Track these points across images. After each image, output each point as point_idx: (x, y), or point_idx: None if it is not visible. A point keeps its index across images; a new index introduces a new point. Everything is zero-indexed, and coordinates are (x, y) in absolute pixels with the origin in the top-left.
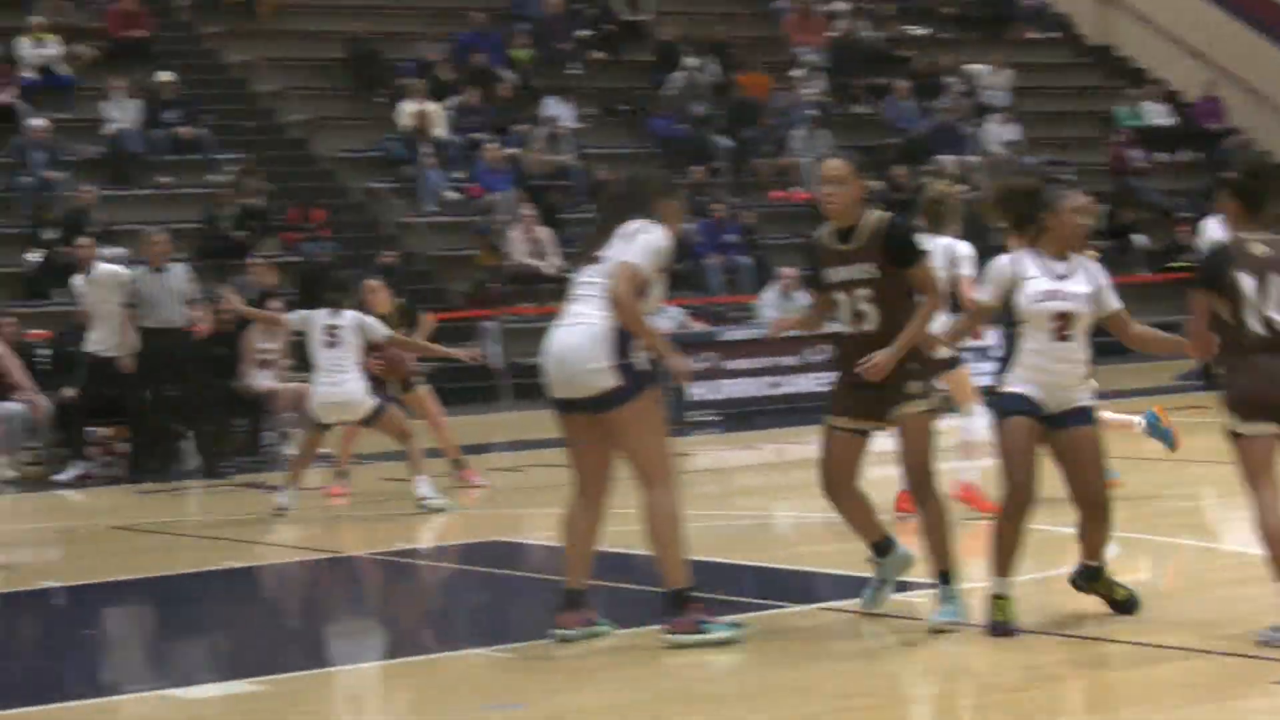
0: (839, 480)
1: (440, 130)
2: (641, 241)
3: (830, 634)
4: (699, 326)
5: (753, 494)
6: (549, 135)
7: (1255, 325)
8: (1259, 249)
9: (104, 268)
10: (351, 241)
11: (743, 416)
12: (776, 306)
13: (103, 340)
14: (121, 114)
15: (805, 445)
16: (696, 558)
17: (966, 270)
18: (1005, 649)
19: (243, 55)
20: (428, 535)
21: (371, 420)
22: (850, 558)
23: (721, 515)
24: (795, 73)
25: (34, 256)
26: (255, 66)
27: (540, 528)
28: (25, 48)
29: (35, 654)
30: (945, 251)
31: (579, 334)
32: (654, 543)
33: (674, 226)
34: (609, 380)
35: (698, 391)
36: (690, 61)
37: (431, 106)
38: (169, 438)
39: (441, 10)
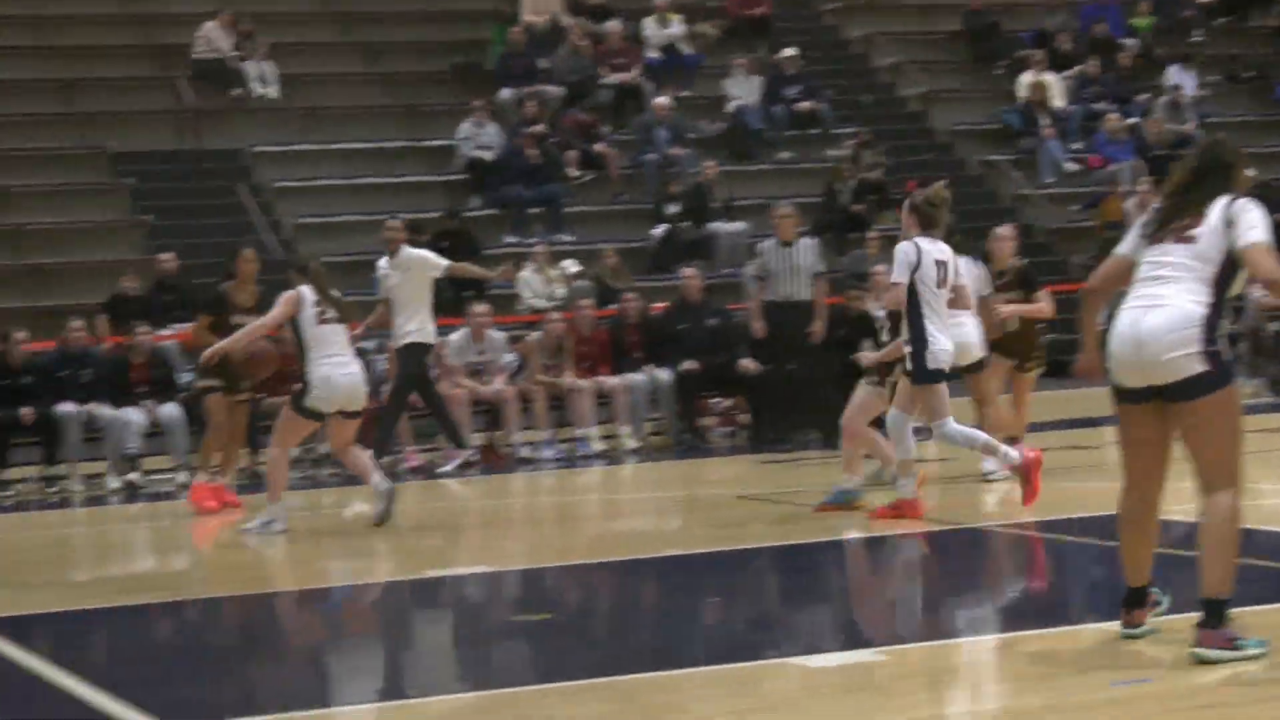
0: None
1: (1059, 101)
2: (1250, 219)
3: None
4: None
5: None
6: (1170, 104)
7: None
8: None
9: (412, 252)
10: (969, 214)
11: None
12: None
13: (408, 328)
14: (742, 91)
15: None
16: None
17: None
18: None
19: (861, 30)
20: (1048, 508)
21: (978, 368)
22: None
23: None
24: None
25: (657, 231)
26: (874, 41)
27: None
28: (650, 27)
29: (658, 620)
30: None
31: (1164, 317)
32: (1210, 545)
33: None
34: (1196, 366)
35: None
36: None
37: (1050, 77)
38: (790, 410)
39: None
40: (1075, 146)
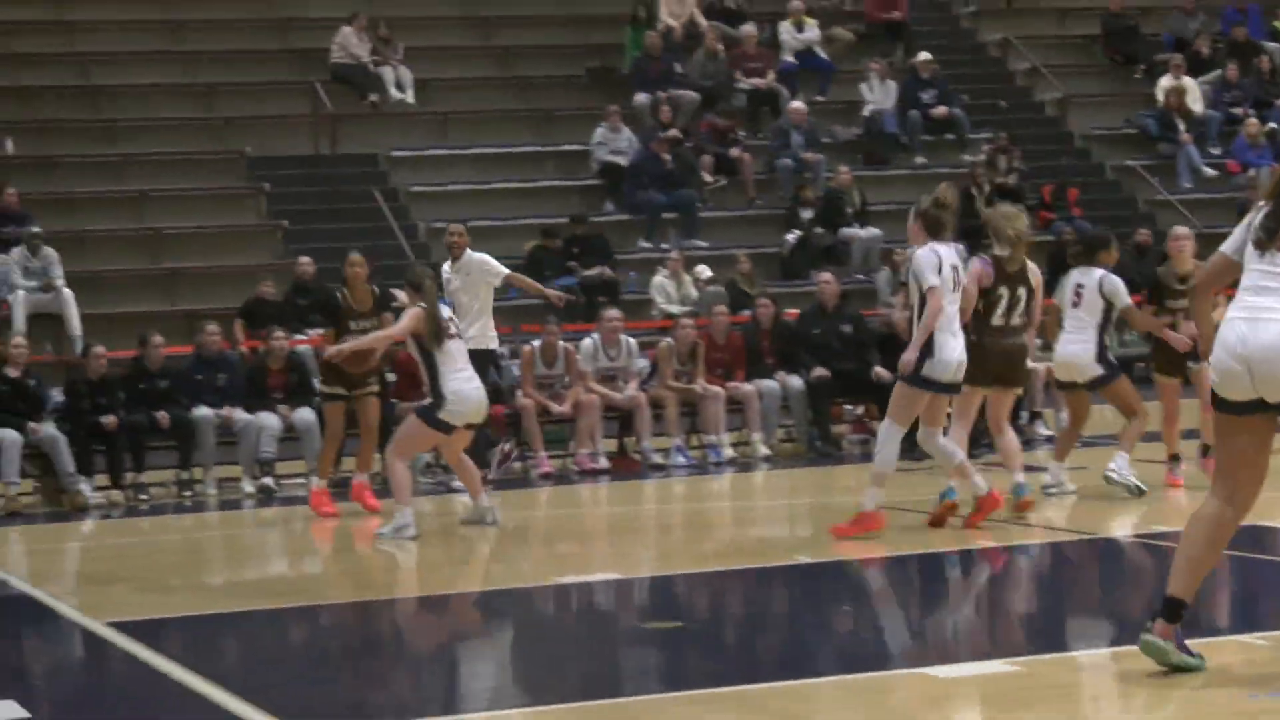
0: None
1: (1197, 106)
2: None
3: None
4: None
5: None
6: None
7: None
8: None
9: (474, 257)
10: (1104, 220)
11: None
12: None
13: (469, 334)
14: (878, 95)
15: None
16: None
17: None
18: None
19: (998, 33)
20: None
21: (1097, 385)
22: None
23: None
24: None
25: (791, 237)
26: (1010, 44)
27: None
28: (786, 32)
29: (788, 629)
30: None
31: (1276, 332)
32: None
33: None
34: None
35: None
36: None
37: (1188, 81)
38: None
39: None
40: (1214, 152)
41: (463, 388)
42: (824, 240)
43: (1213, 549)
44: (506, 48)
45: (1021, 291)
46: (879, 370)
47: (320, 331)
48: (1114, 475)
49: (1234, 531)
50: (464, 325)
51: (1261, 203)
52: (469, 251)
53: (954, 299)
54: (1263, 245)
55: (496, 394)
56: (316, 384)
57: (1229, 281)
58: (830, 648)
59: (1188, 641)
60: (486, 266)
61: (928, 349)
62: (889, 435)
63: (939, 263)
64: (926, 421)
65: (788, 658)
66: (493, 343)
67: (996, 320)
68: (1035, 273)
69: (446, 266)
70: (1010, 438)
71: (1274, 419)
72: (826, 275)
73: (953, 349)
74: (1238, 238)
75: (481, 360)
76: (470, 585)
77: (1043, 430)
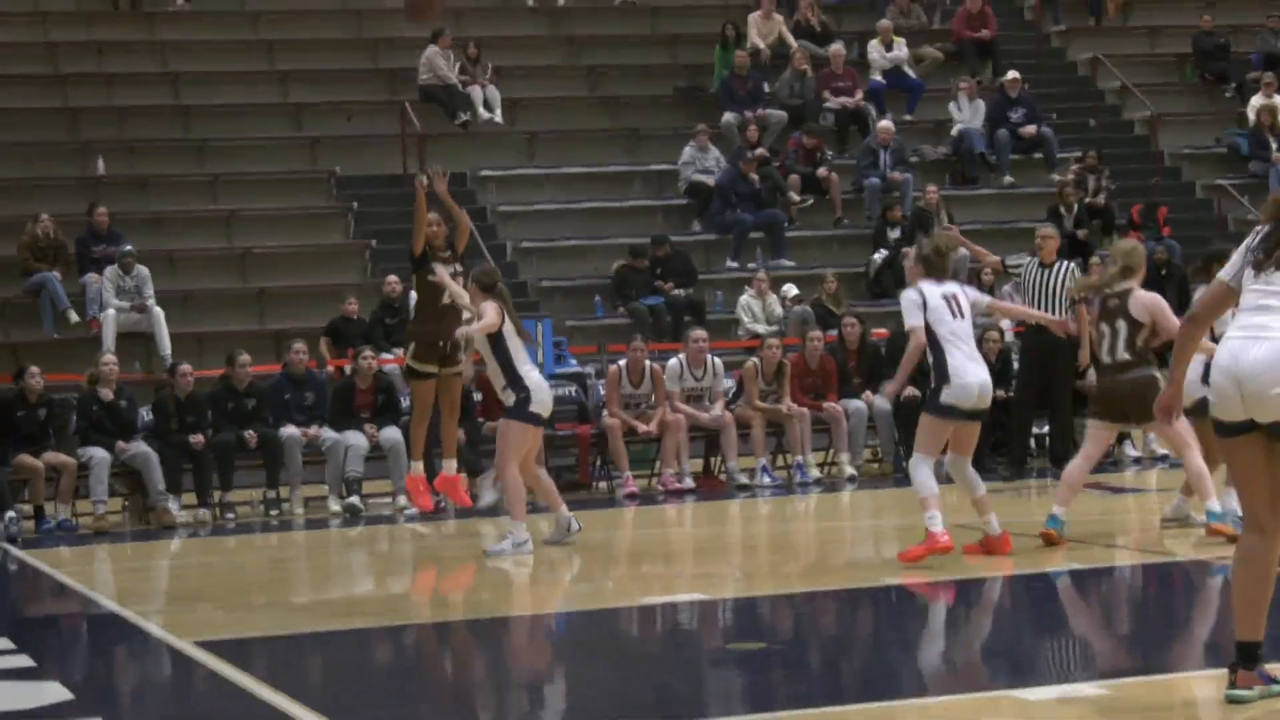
0: None
1: None
2: None
3: None
4: None
5: None
6: None
7: None
8: None
9: None
10: (1194, 240)
11: None
12: None
13: None
14: (966, 114)
15: None
16: None
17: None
18: None
19: (1087, 52)
20: None
21: (1203, 410)
22: None
23: None
24: None
25: (878, 256)
26: (1100, 63)
27: None
28: (874, 51)
29: (872, 650)
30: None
31: (1270, 350)
32: None
33: None
34: None
35: None
36: None
37: (1279, 100)
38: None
39: None
40: None
41: (539, 381)
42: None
43: (1264, 583)
44: (594, 67)
45: (1121, 325)
46: None
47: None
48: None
49: (1276, 555)
50: None
51: (1261, 226)
52: None
53: (961, 325)
54: (1260, 265)
55: (583, 413)
56: (408, 360)
57: (1225, 311)
58: (915, 670)
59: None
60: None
61: (943, 376)
62: (916, 465)
63: (923, 301)
64: (955, 449)
65: (872, 679)
66: None
67: (1103, 357)
68: (1148, 303)
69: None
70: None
71: (1271, 439)
72: None
73: (972, 374)
74: (1234, 264)
75: None
76: (553, 606)
77: (1131, 451)
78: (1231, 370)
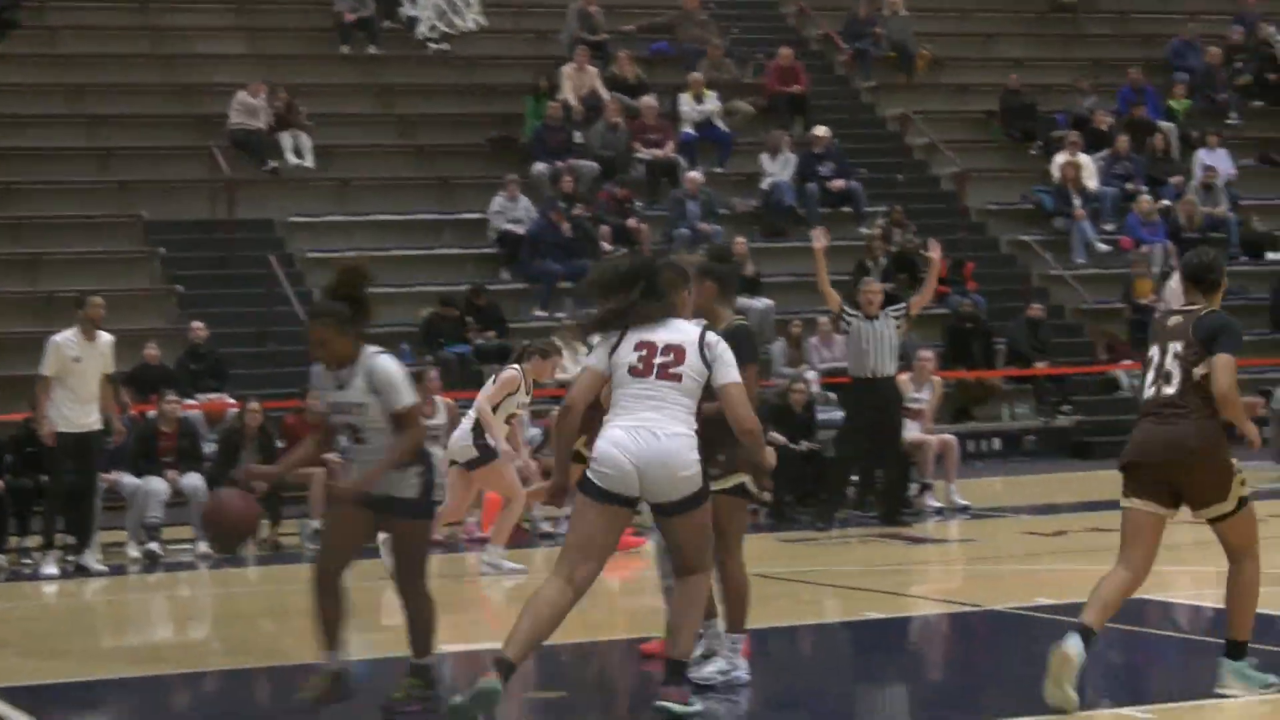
0: None
1: (1092, 182)
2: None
3: None
4: None
5: None
6: (1203, 186)
7: None
8: None
9: (106, 337)
10: (999, 294)
11: None
12: None
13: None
14: (776, 167)
15: None
16: None
17: None
18: None
19: (897, 108)
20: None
21: None
22: None
23: None
24: None
25: None
26: (909, 119)
27: (1182, 586)
28: (686, 104)
29: None
30: None
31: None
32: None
33: None
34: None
35: None
36: None
37: (1083, 158)
38: (825, 487)
39: (1097, 61)
40: (1107, 228)
41: None
42: None
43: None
44: (406, 115)
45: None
46: (773, 436)
47: (214, 396)
48: None
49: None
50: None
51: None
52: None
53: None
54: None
55: None
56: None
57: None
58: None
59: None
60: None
61: None
62: None
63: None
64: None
65: None
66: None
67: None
68: None
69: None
70: None
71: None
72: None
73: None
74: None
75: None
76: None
77: (932, 502)
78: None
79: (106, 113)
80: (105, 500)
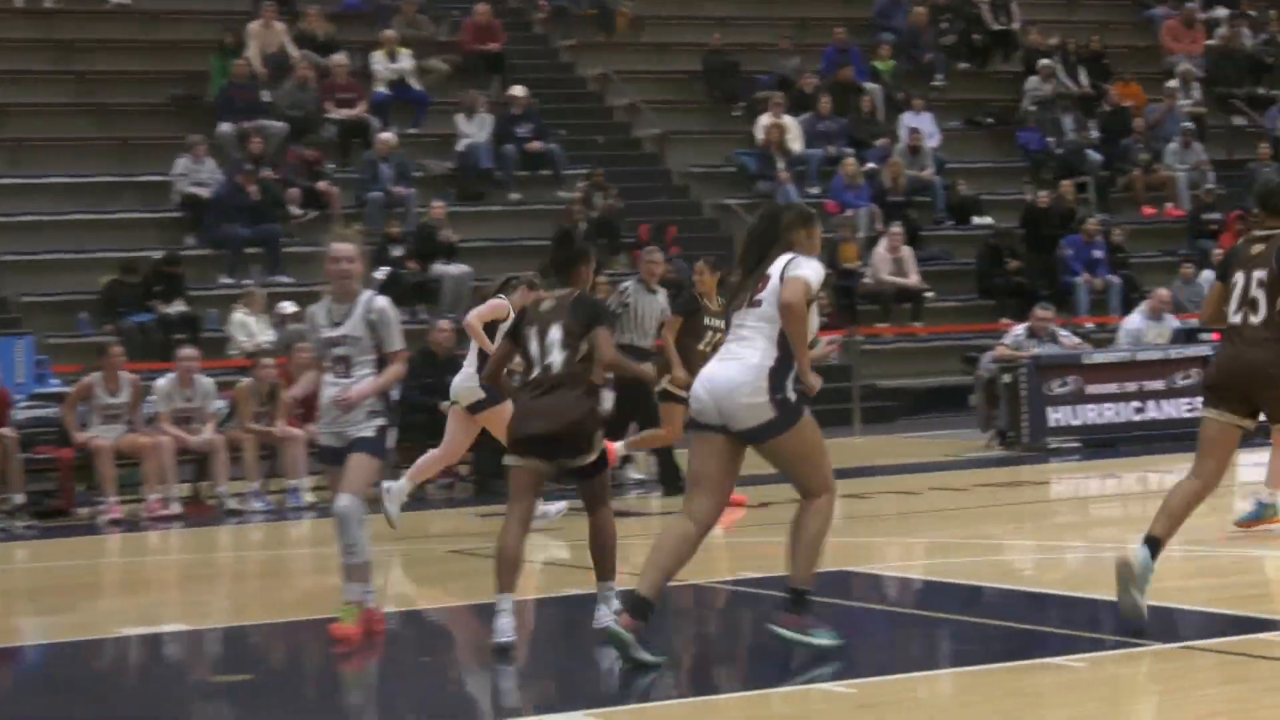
0: None
1: (796, 145)
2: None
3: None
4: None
5: (1112, 524)
6: (909, 149)
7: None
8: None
9: None
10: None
11: (1105, 443)
12: (1142, 329)
13: None
14: (473, 129)
15: (1171, 474)
16: (1051, 592)
17: None
18: None
19: (597, 68)
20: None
21: None
22: (1219, 594)
23: (1080, 546)
24: (1170, 83)
25: (380, 274)
26: (609, 80)
27: (889, 557)
28: (379, 62)
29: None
30: None
31: None
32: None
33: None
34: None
35: (1057, 417)
36: (1059, 71)
37: (788, 120)
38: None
39: (801, 21)
40: (813, 191)
41: None
42: (415, 277)
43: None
44: (85, 73)
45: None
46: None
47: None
48: None
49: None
50: None
51: None
52: None
53: None
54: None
55: (64, 436)
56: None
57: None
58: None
59: None
60: None
61: None
62: None
63: None
64: None
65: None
66: None
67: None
68: None
69: None
70: None
71: None
72: (445, 323)
73: None
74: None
75: None
76: (29, 638)
77: (634, 474)
78: None
79: None
80: None
